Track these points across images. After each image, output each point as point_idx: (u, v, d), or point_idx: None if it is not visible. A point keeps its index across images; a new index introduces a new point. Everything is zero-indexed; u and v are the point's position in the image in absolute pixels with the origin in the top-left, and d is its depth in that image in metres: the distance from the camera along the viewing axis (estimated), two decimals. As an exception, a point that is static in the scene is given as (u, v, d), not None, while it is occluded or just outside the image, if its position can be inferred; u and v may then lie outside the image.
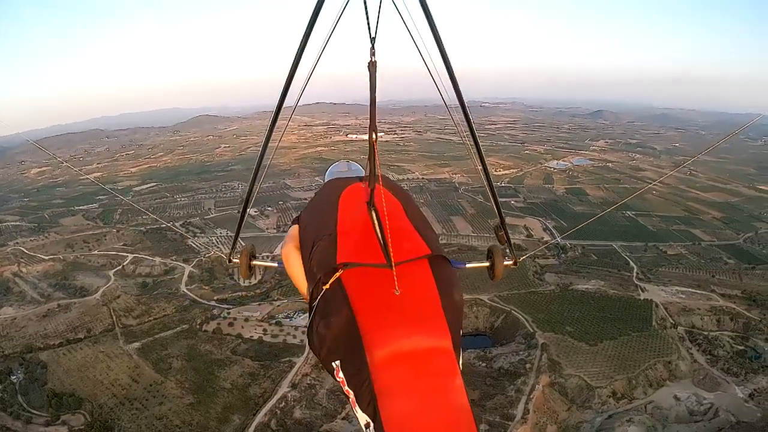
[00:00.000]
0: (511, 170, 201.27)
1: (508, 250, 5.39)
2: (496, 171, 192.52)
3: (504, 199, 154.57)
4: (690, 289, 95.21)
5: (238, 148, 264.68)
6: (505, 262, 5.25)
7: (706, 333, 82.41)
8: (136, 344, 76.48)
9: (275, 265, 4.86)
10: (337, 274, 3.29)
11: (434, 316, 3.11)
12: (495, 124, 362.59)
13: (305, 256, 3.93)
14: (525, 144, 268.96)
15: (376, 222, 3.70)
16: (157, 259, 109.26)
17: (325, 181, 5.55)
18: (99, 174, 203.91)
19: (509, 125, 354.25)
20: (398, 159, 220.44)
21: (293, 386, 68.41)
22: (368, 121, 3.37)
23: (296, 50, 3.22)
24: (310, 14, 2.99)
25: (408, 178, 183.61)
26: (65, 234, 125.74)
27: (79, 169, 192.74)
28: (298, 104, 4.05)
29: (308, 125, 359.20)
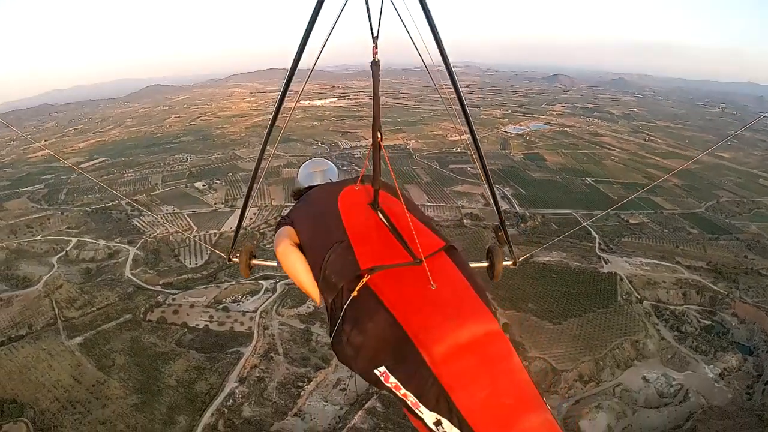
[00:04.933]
0: (467, 135, 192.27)
1: (507, 251, 5.47)
2: (450, 137, 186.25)
3: (461, 166, 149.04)
4: (654, 261, 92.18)
5: (188, 118, 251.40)
6: (505, 262, 5.27)
7: (672, 308, 79.42)
8: (79, 339, 69.85)
9: (275, 264, 4.61)
10: (364, 280, 3.25)
11: (474, 303, 3.17)
12: (450, 88, 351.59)
13: (315, 267, 3.74)
14: (480, 108, 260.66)
15: (386, 222, 3.79)
16: (101, 242, 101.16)
17: (299, 180, 5.52)
18: (46, 152, 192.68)
19: (464, 89, 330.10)
20: (351, 125, 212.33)
21: (241, 381, 62.85)
22: (372, 119, 3.63)
23: (296, 50, 3.43)
24: (310, 14, 3.21)
25: (360, 146, 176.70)
26: (9, 219, 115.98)
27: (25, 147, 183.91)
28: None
29: (260, 92, 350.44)
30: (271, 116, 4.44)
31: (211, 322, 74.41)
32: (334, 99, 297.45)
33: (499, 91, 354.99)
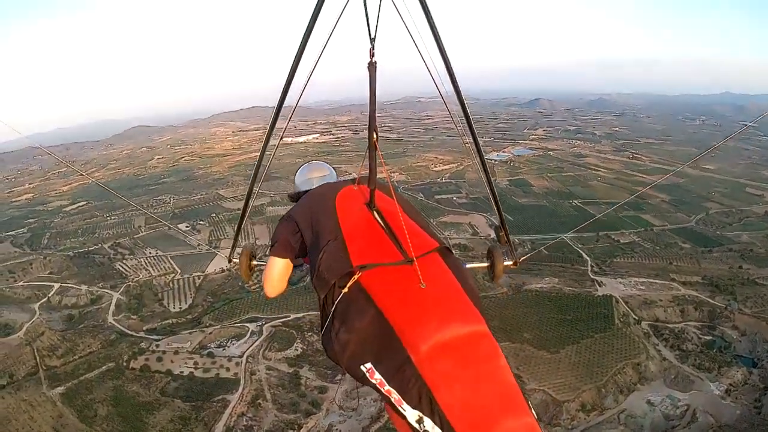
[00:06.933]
0: (451, 165, 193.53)
1: (508, 251, 5.31)
2: (434, 167, 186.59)
3: (446, 196, 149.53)
4: (649, 279, 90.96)
5: (170, 159, 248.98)
6: (506, 263, 5.13)
7: (671, 326, 78.26)
8: (60, 389, 67.58)
9: None
10: (356, 277, 3.27)
11: (464, 304, 3.16)
12: (432, 119, 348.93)
13: (312, 263, 3.75)
14: (463, 137, 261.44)
15: (381, 222, 3.77)
16: (84, 288, 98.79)
17: (297, 184, 5.55)
18: (30, 195, 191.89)
19: (446, 119, 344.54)
20: (335, 161, 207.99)
21: (228, 430, 60.95)
22: (367, 120, 3.52)
23: (296, 52, 3.33)
24: (310, 15, 3.08)
25: (343, 180, 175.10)
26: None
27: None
28: (285, 115, 4.30)
29: (243, 130, 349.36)
30: (272, 115, 4.27)
31: (196, 368, 72.39)
32: (317, 135, 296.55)
33: (481, 118, 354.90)
